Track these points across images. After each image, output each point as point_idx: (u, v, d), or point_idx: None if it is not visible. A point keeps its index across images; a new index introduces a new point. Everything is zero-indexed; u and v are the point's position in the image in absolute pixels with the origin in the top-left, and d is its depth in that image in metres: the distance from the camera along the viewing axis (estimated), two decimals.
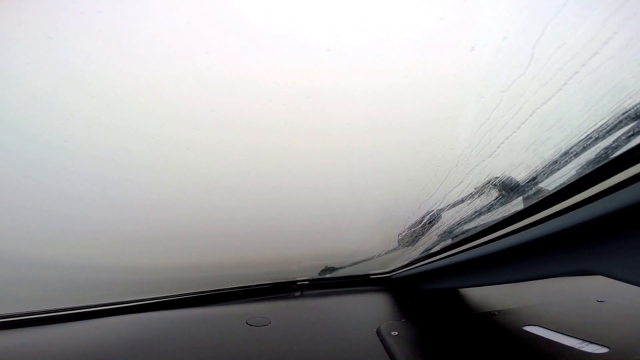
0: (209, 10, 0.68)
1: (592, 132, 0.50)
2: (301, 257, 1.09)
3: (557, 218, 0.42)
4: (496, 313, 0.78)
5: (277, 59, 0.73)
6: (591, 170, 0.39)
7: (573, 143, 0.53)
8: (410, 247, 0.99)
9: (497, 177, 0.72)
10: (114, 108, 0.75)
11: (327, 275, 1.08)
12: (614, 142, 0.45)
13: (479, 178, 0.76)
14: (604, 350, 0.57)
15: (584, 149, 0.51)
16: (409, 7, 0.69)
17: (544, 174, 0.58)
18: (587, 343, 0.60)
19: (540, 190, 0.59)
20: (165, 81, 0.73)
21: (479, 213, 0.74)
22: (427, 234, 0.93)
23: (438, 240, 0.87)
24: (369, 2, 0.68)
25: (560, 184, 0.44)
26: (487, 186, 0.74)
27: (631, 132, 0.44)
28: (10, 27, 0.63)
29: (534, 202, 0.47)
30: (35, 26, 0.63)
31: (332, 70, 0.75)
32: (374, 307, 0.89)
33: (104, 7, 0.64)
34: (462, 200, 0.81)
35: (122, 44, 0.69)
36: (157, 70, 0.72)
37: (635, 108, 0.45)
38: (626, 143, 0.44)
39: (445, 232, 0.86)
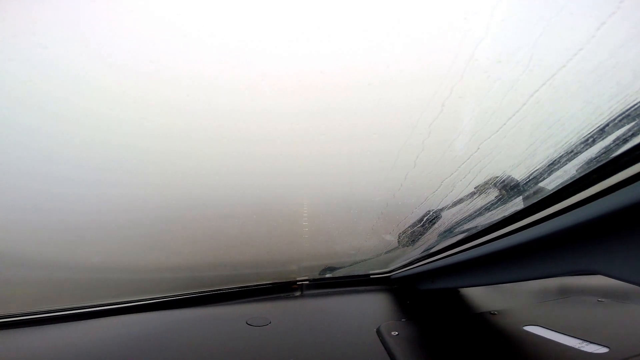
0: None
1: (592, 131, 0.50)
2: (301, 257, 1.09)
3: (557, 218, 0.42)
4: (496, 313, 0.78)
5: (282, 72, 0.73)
6: (591, 169, 0.39)
7: (573, 142, 0.52)
8: (410, 247, 0.99)
9: (497, 177, 0.72)
10: (118, 107, 0.75)
11: (327, 275, 1.08)
12: (614, 141, 0.45)
13: (479, 177, 0.76)
14: (604, 350, 0.57)
15: (584, 148, 0.51)
16: (408, 10, 0.69)
17: (544, 174, 0.58)
18: (587, 343, 0.60)
19: (540, 190, 0.59)
20: (179, 89, 0.74)
21: (479, 213, 0.74)
22: (427, 233, 0.93)
23: (438, 240, 0.87)
24: (367, 7, 0.68)
25: (560, 184, 0.44)
26: (487, 186, 0.74)
27: (631, 132, 0.44)
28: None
29: (534, 201, 0.47)
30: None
31: (335, 82, 0.76)
32: (374, 307, 0.89)
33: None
34: (462, 200, 0.81)
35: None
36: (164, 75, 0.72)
37: (635, 108, 0.45)
38: (626, 143, 0.44)
39: (445, 231, 0.86)
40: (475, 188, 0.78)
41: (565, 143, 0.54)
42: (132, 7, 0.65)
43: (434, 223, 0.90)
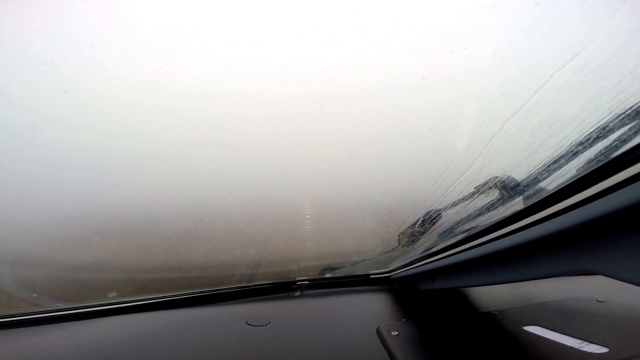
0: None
1: (592, 131, 0.50)
2: (301, 257, 1.09)
3: (557, 218, 0.42)
4: (496, 313, 0.78)
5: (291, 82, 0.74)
6: (591, 170, 0.39)
7: (573, 143, 0.52)
8: (410, 247, 0.99)
9: (497, 177, 0.72)
10: (119, 113, 0.76)
11: (327, 275, 1.07)
12: (613, 141, 0.45)
13: (479, 177, 0.76)
14: (604, 350, 0.57)
15: (584, 148, 0.51)
16: (408, 13, 0.69)
17: (544, 174, 0.58)
18: (587, 343, 0.60)
19: (540, 190, 0.59)
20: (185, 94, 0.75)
21: (479, 213, 0.74)
22: (427, 233, 0.93)
23: (438, 240, 0.87)
24: (373, 11, 0.68)
25: (560, 184, 0.44)
26: (487, 186, 0.74)
27: (631, 132, 0.44)
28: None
29: (534, 201, 0.47)
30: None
31: (337, 87, 0.76)
32: (374, 307, 0.89)
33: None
34: (463, 200, 0.81)
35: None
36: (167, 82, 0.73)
37: (634, 108, 0.45)
38: (626, 143, 0.44)
39: (445, 231, 0.86)
40: (475, 188, 0.78)
41: (566, 143, 0.54)
42: (134, 20, 0.65)
43: (434, 223, 0.90)
